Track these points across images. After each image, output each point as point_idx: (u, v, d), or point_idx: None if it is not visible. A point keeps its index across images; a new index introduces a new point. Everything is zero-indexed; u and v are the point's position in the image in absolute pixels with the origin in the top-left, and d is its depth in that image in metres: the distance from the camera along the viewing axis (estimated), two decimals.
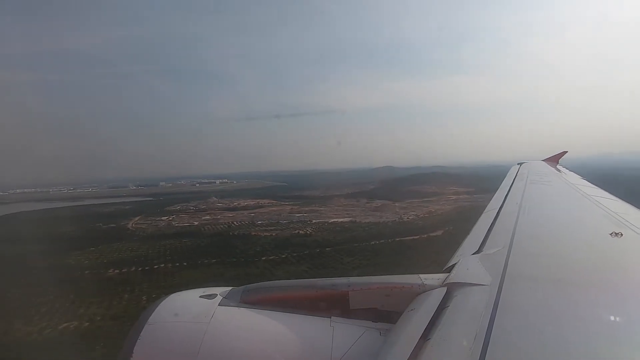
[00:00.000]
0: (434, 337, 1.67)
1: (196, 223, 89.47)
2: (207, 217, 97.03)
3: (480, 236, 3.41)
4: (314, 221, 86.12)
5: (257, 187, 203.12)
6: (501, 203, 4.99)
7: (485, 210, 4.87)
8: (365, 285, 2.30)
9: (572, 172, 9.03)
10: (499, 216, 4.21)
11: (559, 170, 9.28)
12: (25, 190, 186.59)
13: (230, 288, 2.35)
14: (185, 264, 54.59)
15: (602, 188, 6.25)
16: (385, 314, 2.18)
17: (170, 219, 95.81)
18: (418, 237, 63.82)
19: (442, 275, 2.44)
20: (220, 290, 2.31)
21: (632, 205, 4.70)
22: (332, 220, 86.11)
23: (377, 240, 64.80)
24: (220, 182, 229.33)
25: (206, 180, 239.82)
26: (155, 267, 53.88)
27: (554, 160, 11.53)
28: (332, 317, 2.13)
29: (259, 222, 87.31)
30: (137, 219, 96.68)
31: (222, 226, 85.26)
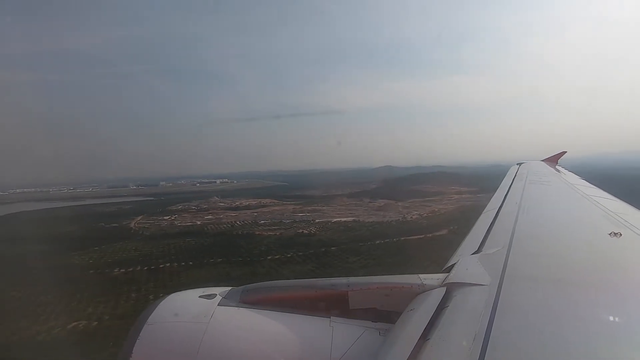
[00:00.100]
0: (433, 337, 1.67)
1: (199, 222, 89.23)
2: (210, 217, 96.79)
3: (480, 236, 3.40)
4: (317, 220, 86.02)
5: (258, 187, 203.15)
6: (500, 203, 4.99)
7: (485, 210, 4.86)
8: (364, 285, 2.31)
9: (571, 172, 9.01)
10: (499, 216, 4.21)
11: (558, 171, 9.28)
12: (25, 190, 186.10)
13: (229, 288, 2.35)
14: (191, 263, 54.39)
15: (600, 188, 6.26)
16: (385, 314, 2.18)
17: (173, 218, 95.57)
18: (423, 236, 63.76)
19: (441, 275, 2.45)
20: (219, 290, 2.31)
21: (631, 205, 4.69)
22: (336, 220, 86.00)
23: (382, 239, 64.67)
24: (220, 182, 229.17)
25: (206, 180, 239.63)
26: (161, 266, 53.64)
27: (553, 160, 11.55)
28: (331, 317, 2.13)
29: (262, 221, 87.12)
30: (139, 218, 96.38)
31: (225, 225, 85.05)
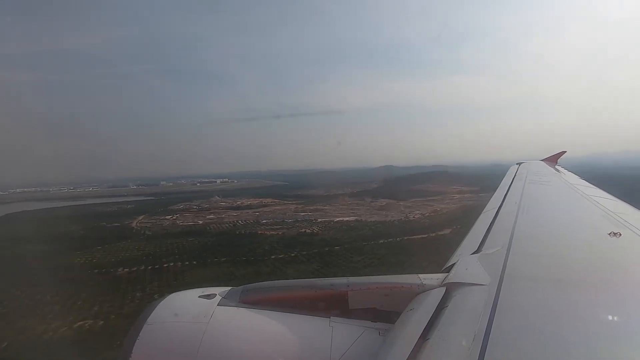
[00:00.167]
0: (433, 337, 1.67)
1: (201, 222, 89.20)
2: (212, 216, 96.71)
3: (480, 236, 3.40)
4: (319, 220, 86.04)
5: (258, 187, 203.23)
6: (500, 203, 4.99)
7: (484, 210, 4.86)
8: (364, 285, 2.30)
9: (570, 172, 8.99)
10: (498, 216, 4.21)
11: (557, 170, 9.28)
12: (25, 189, 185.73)
13: (229, 288, 2.34)
14: (194, 262, 54.35)
15: (600, 188, 6.25)
16: (385, 313, 2.17)
17: (175, 217, 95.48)
18: (427, 235, 63.79)
19: (441, 275, 2.45)
20: (219, 290, 2.30)
21: (631, 205, 4.67)
22: (338, 219, 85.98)
23: (386, 239, 64.69)
24: (220, 182, 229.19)
25: (207, 180, 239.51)
26: (165, 265, 53.65)
27: (553, 160, 11.51)
28: (331, 317, 2.12)
29: (264, 220, 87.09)
30: (141, 218, 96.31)
31: (227, 225, 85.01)
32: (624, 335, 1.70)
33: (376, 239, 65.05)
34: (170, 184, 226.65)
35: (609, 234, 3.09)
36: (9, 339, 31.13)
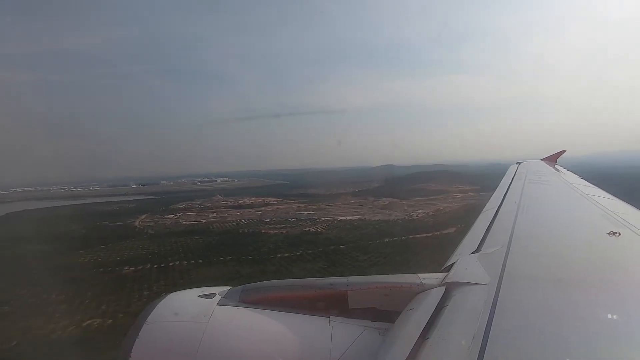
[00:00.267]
0: (432, 336, 1.68)
1: (204, 221, 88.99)
2: (214, 215, 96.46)
3: (479, 235, 3.41)
4: (322, 219, 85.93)
5: (259, 186, 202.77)
6: (500, 202, 4.99)
7: (484, 209, 4.88)
8: (364, 284, 2.31)
9: (570, 172, 8.99)
10: (498, 215, 4.22)
11: (557, 170, 9.31)
12: (25, 188, 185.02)
13: (229, 287, 2.36)
14: (200, 261, 54.29)
15: (599, 187, 6.27)
16: (384, 313, 2.18)
17: (177, 216, 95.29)
18: (431, 234, 63.75)
19: (440, 275, 2.45)
20: (219, 290, 2.31)
21: (630, 204, 4.69)
22: (341, 218, 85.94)
23: (390, 237, 64.62)
24: (221, 181, 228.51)
25: (207, 179, 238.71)
26: (171, 264, 53.53)
27: (552, 159, 11.50)
28: (330, 316, 2.13)
29: (267, 219, 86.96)
30: (143, 217, 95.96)
31: (230, 224, 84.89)
32: (624, 335, 1.69)
33: (381, 238, 64.99)
34: (171, 183, 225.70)
35: (609, 233, 3.09)
36: (17, 338, 30.95)
